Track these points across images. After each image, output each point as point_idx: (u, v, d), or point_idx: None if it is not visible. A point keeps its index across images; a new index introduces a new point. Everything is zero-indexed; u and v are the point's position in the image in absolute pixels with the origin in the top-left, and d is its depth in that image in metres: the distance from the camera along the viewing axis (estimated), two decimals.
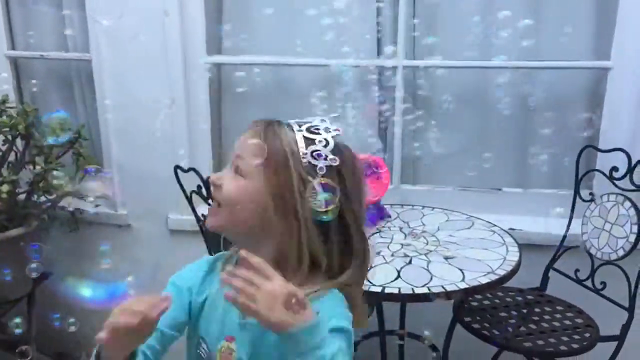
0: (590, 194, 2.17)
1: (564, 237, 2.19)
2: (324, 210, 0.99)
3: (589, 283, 2.11)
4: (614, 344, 1.98)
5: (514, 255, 1.80)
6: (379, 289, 1.59)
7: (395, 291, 1.59)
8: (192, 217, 2.04)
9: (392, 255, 1.81)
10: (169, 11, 2.25)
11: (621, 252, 1.99)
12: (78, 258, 1.87)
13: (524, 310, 2.10)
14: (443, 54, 2.21)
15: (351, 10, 2.29)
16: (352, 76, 2.20)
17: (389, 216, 2.14)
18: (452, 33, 2.25)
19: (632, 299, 1.96)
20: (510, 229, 2.11)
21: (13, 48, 2.59)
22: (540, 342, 1.91)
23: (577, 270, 2.15)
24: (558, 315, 2.07)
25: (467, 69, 2.27)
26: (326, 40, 2.23)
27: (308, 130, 1.04)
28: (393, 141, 2.36)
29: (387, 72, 2.30)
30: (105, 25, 2.22)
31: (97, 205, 2.51)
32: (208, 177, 1.89)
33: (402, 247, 1.87)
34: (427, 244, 1.90)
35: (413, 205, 2.23)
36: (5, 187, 2.10)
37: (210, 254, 2.05)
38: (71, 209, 2.37)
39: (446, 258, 1.78)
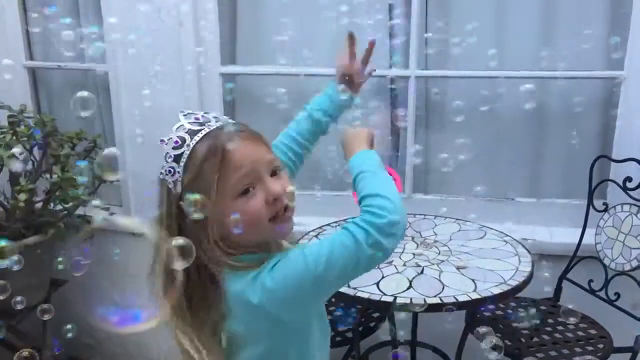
0: (604, 204, 2.16)
1: (578, 247, 2.18)
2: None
3: (602, 294, 2.09)
4: (628, 355, 1.96)
5: (526, 266, 1.80)
6: (390, 299, 1.59)
7: (407, 301, 1.59)
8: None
9: (404, 264, 1.82)
10: (184, 22, 2.28)
11: (635, 263, 1.98)
12: (93, 265, 1.89)
13: (537, 321, 2.09)
14: (455, 63, 2.22)
15: (364, 20, 2.31)
16: (365, 86, 2.21)
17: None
18: (464, 42, 2.26)
19: None
20: (523, 239, 2.11)
21: (31, 58, 2.63)
22: (554, 354, 1.90)
23: (590, 281, 2.14)
24: (571, 326, 2.06)
25: (479, 79, 2.27)
26: (339, 50, 2.26)
27: None
28: (405, 150, 2.36)
29: (399, 82, 2.31)
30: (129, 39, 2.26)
31: (111, 214, 2.54)
32: None
33: (414, 257, 1.87)
34: (439, 253, 1.90)
35: (425, 215, 2.23)
36: (22, 196, 2.13)
37: None
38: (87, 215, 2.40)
39: (458, 268, 1.78)
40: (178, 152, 1.01)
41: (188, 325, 1.04)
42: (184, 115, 1.05)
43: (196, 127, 1.03)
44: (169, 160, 1.01)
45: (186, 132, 1.02)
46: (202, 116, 1.05)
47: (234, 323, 1.03)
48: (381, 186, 1.00)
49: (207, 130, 1.02)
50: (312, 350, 1.09)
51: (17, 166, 1.97)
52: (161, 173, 1.03)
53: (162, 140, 1.03)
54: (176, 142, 1.01)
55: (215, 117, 1.06)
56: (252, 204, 1.00)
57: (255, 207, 1.00)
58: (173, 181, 1.01)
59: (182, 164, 1.00)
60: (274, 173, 1.04)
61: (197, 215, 0.97)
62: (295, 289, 0.97)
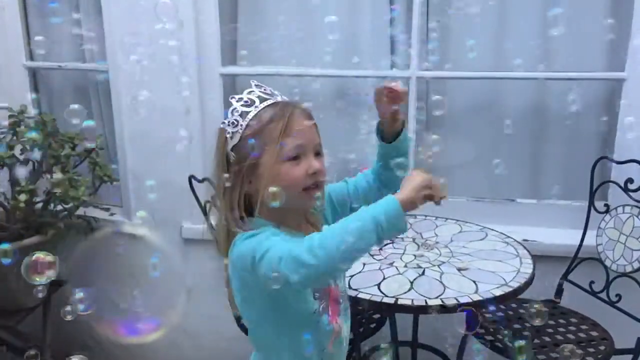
0: (605, 205, 2.16)
1: (579, 248, 2.18)
2: None
3: (603, 295, 2.09)
4: (629, 357, 1.95)
5: (527, 267, 1.79)
6: (391, 300, 1.59)
7: (408, 302, 1.59)
8: (206, 226, 2.06)
9: (405, 266, 1.81)
10: (185, 22, 2.28)
11: (636, 264, 1.98)
12: (93, 266, 1.89)
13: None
14: (456, 64, 2.22)
15: (365, 21, 2.31)
16: (366, 87, 2.21)
17: None
18: (465, 44, 2.26)
19: None
20: (524, 240, 2.10)
21: (31, 59, 2.63)
22: (555, 355, 1.89)
23: (592, 282, 2.14)
24: (572, 328, 2.05)
25: (480, 79, 2.27)
26: (340, 51, 2.26)
27: None
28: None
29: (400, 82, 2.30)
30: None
31: (112, 214, 2.54)
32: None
33: (415, 258, 1.87)
34: (440, 255, 1.89)
35: (426, 216, 2.22)
36: (23, 197, 2.13)
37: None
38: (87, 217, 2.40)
39: (459, 269, 1.78)
40: (246, 109, 1.16)
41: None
42: (256, 84, 1.20)
43: (266, 96, 1.18)
44: (235, 114, 1.16)
45: (257, 97, 1.17)
46: (271, 90, 1.21)
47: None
48: (343, 234, 1.02)
49: (274, 100, 1.18)
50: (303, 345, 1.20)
51: (21, 172, 1.99)
52: (223, 123, 1.17)
53: (232, 97, 1.18)
54: (246, 101, 1.17)
55: (281, 95, 1.22)
56: (296, 169, 1.14)
57: (297, 172, 1.14)
58: (233, 132, 1.16)
59: (247, 119, 1.15)
60: (317, 154, 1.18)
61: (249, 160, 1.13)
62: (241, 260, 1.12)
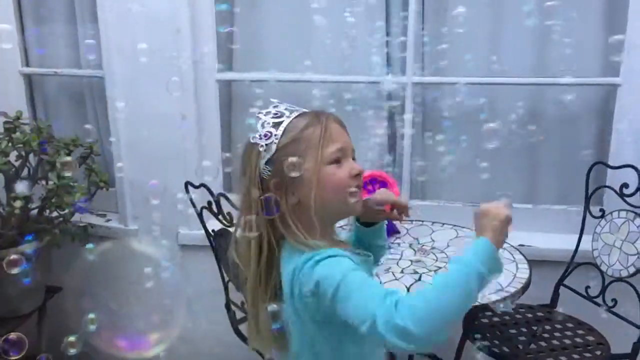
0: (601, 210, 2.16)
1: (574, 253, 2.18)
2: None
3: (599, 300, 2.09)
4: None
5: (524, 273, 1.80)
6: None
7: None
8: (203, 232, 2.05)
9: (402, 272, 1.81)
10: (181, 28, 2.28)
11: (632, 269, 1.98)
12: (88, 272, 1.89)
13: (534, 328, 2.09)
14: (452, 70, 2.23)
15: (361, 27, 2.31)
16: (362, 92, 2.22)
17: (398, 232, 2.15)
18: (460, 50, 2.26)
19: None
20: (520, 245, 2.11)
21: (27, 65, 2.63)
22: None
23: (587, 287, 2.14)
24: (569, 333, 2.06)
25: (475, 85, 2.28)
26: (336, 57, 2.26)
27: None
28: (402, 156, 2.36)
29: (396, 88, 2.31)
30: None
31: (108, 220, 2.53)
32: (220, 193, 1.91)
33: (411, 264, 1.87)
34: (436, 260, 1.90)
35: (422, 221, 2.23)
36: (18, 203, 2.12)
37: (220, 269, 2.06)
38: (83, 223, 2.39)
39: None
40: (278, 120, 1.14)
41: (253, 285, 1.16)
42: (277, 102, 1.19)
43: (292, 108, 1.17)
44: (267, 126, 1.13)
45: (284, 109, 1.16)
46: (295, 107, 1.19)
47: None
48: (446, 294, 0.96)
49: (301, 110, 1.17)
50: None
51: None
52: (253, 137, 1.13)
53: (259, 112, 1.16)
54: (275, 114, 1.15)
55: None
56: (341, 172, 1.13)
57: (342, 174, 1.13)
58: (266, 144, 1.12)
59: (280, 129, 1.13)
60: (353, 158, 1.17)
61: (294, 174, 1.09)
62: (321, 283, 1.04)
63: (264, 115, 1.15)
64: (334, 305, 1.01)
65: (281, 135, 1.12)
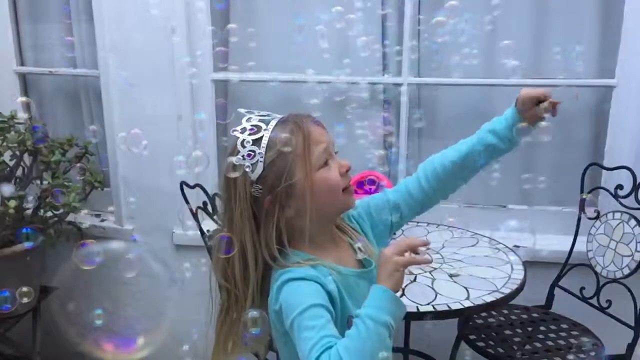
0: (596, 211, 2.17)
1: (569, 254, 2.19)
2: None
3: (594, 301, 2.10)
4: None
5: (518, 274, 1.80)
6: None
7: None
8: (197, 232, 2.05)
9: None
10: (176, 28, 2.27)
11: (627, 271, 1.99)
12: (82, 273, 1.88)
13: (529, 329, 2.09)
14: (447, 71, 2.23)
15: (357, 27, 2.31)
16: (358, 93, 2.21)
17: (394, 233, 2.14)
18: (456, 50, 2.26)
19: (638, 317, 1.95)
20: (515, 246, 2.11)
21: (22, 64, 2.62)
22: None
23: (582, 288, 2.14)
24: (563, 334, 2.06)
25: (471, 86, 2.28)
26: (332, 57, 2.26)
27: None
28: (398, 157, 2.36)
29: (392, 88, 2.31)
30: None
31: (103, 220, 2.52)
32: (215, 193, 1.91)
33: None
34: (431, 261, 1.89)
35: (418, 222, 2.23)
36: (12, 203, 2.11)
37: None
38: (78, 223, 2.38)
39: (451, 276, 1.78)
40: (256, 136, 1.10)
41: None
42: (247, 111, 1.15)
43: (266, 118, 1.13)
44: (247, 145, 1.09)
45: (258, 121, 1.11)
46: (264, 112, 1.16)
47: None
48: (364, 352, 0.99)
49: (277, 117, 1.13)
50: None
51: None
52: (238, 159, 1.09)
53: (234, 130, 1.11)
54: (252, 129, 1.10)
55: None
56: (332, 173, 1.12)
57: (333, 175, 1.12)
58: (252, 163, 1.09)
59: (263, 145, 1.09)
60: (335, 152, 1.16)
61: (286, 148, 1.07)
62: (284, 310, 1.05)
63: (240, 132, 1.10)
64: (291, 332, 1.04)
65: (265, 152, 1.08)
